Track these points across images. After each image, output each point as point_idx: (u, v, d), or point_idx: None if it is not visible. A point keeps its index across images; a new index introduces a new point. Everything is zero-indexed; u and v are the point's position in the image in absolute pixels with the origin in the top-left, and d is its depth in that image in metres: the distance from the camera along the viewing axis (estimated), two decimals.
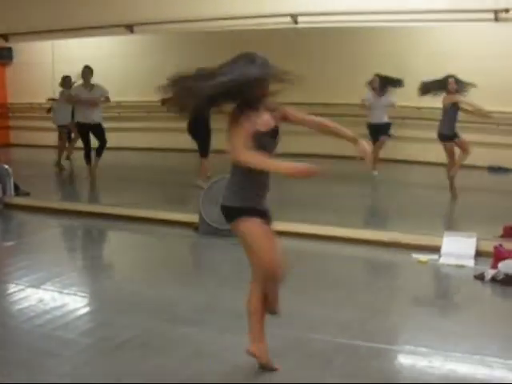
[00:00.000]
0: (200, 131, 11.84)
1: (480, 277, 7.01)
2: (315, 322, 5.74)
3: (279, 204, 9.57)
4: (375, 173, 12.50)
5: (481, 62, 13.30)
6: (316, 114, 4.73)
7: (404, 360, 5.11)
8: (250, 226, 4.60)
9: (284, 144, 4.81)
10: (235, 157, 4.39)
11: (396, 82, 12.75)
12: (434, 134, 12.12)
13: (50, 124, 15.16)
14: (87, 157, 12.73)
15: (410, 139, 12.37)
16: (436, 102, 12.66)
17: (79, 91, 12.78)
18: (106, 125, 13.03)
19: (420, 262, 7.63)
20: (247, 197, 4.60)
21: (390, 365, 5.02)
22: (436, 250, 7.83)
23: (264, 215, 4.73)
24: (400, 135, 12.34)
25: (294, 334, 5.44)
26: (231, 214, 4.62)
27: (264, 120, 4.55)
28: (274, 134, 4.65)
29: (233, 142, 4.40)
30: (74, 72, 15.81)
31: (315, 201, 11.58)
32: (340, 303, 6.25)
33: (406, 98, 12.25)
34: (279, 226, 8.77)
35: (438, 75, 12.70)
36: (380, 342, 5.29)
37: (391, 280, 7.53)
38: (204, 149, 12.04)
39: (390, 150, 13.15)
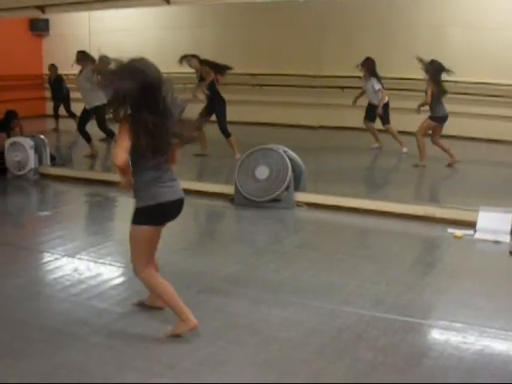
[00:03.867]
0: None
1: None
2: (349, 295, 5.73)
3: (315, 177, 9.59)
4: (404, 149, 12.51)
5: None
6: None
7: (438, 335, 5.08)
8: None
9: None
10: None
11: None
12: (472, 109, 12.09)
13: None
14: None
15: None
16: (473, 76, 12.61)
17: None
18: None
19: (455, 236, 7.58)
20: None
21: (424, 340, 5.00)
22: (471, 225, 7.78)
23: None
24: None
25: (327, 306, 5.44)
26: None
27: None
28: None
29: None
30: (111, 44, 15.79)
31: (349, 174, 11.56)
32: (374, 277, 6.23)
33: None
34: (315, 198, 8.86)
35: (475, 47, 12.60)
36: (414, 317, 5.27)
37: (426, 254, 7.49)
38: (225, 128, 12.19)
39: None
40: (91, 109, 12.15)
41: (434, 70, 10.89)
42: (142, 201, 4.68)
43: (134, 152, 4.50)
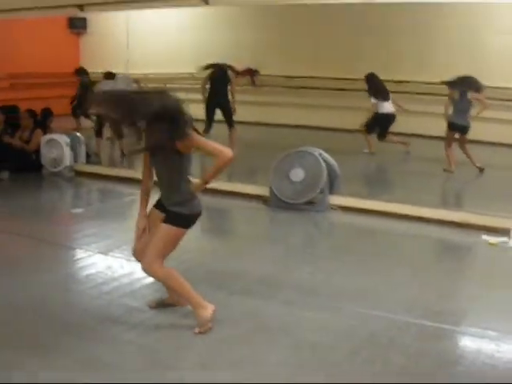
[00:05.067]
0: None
1: None
2: (381, 299, 5.70)
3: (350, 180, 9.55)
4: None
5: None
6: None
7: (470, 343, 5.03)
8: None
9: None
10: None
11: None
12: (500, 114, 12.03)
13: None
14: None
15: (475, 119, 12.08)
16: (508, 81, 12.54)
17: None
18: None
19: (490, 244, 7.50)
20: None
21: (456, 347, 4.97)
22: (507, 232, 7.70)
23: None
24: None
25: (360, 310, 5.42)
26: None
27: None
28: None
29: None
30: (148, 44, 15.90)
31: (383, 178, 11.53)
32: (407, 282, 6.19)
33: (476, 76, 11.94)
34: (350, 202, 8.82)
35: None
36: (446, 323, 5.23)
37: (460, 261, 7.43)
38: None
39: None
40: None
41: (461, 83, 10.95)
42: (185, 208, 4.93)
43: (187, 161, 4.97)
